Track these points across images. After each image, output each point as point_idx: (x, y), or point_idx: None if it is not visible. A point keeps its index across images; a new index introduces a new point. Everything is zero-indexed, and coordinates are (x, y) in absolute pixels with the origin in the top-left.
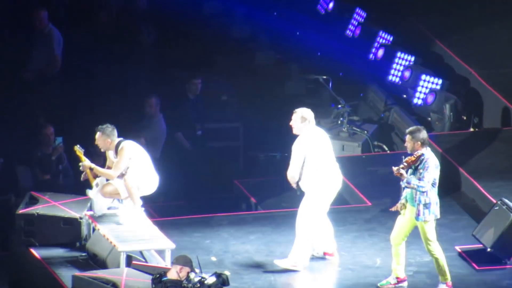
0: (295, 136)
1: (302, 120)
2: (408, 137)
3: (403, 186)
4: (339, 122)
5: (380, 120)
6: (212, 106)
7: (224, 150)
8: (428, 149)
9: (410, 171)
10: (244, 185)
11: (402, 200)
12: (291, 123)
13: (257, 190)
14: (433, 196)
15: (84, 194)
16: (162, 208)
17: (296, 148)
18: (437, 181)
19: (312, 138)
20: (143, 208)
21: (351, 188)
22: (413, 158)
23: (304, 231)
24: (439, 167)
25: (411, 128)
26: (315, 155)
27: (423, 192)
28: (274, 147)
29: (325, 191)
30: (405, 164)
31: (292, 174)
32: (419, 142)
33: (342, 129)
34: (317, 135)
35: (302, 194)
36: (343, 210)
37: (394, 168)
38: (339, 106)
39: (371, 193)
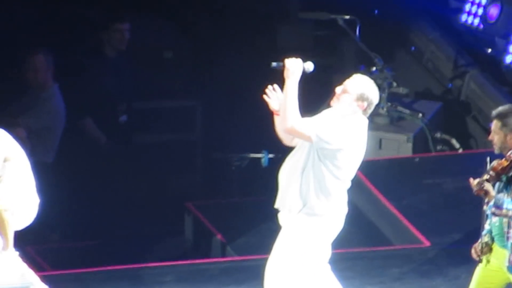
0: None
1: (361, 99)
2: (496, 125)
3: (487, 212)
4: None
5: (445, 94)
6: (148, 72)
7: (168, 148)
8: None
9: (498, 185)
10: (204, 211)
11: (485, 238)
12: (336, 89)
13: (226, 219)
14: None
15: None
16: (58, 253)
17: (328, 125)
18: None
19: (357, 135)
20: (17, 253)
21: (395, 215)
22: (506, 163)
23: None
24: None
25: (502, 109)
26: (343, 163)
27: None
28: (256, 144)
29: (332, 224)
30: (492, 173)
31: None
32: None
33: (379, 111)
34: (363, 137)
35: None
36: (379, 256)
37: (473, 182)
38: (373, 69)
39: (430, 225)
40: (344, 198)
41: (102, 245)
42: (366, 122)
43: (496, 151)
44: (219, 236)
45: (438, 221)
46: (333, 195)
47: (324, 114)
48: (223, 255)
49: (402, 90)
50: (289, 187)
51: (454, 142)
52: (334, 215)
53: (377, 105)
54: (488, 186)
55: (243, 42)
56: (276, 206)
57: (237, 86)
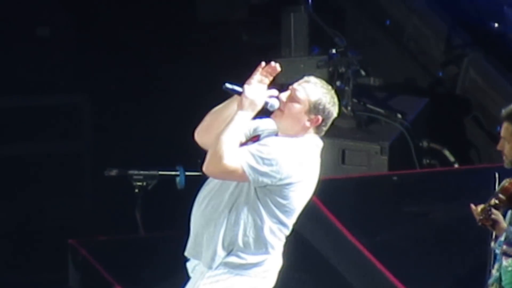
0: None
1: (315, 111)
2: (507, 129)
3: (496, 251)
4: (334, 91)
5: (434, 86)
6: (15, 56)
7: (44, 163)
8: None
9: (511, 213)
10: (94, 251)
11: (493, 285)
12: (282, 96)
13: (125, 263)
14: None
15: None
16: None
17: (277, 152)
18: None
19: (309, 164)
20: None
21: (365, 257)
22: None
23: None
24: None
25: None
26: (291, 203)
27: None
28: (168, 157)
29: (262, 282)
30: (502, 197)
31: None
32: None
33: (342, 108)
34: (316, 168)
35: None
36: None
37: (476, 209)
38: (333, 51)
39: (413, 271)
40: (280, 249)
41: None
42: (320, 144)
43: (507, 165)
44: (116, 287)
45: (424, 266)
46: (269, 244)
47: (266, 140)
48: None
49: (373, 81)
50: (207, 230)
51: (446, 153)
52: (267, 271)
53: (340, 103)
54: (497, 214)
55: (149, 13)
56: (187, 254)
57: (140, 74)
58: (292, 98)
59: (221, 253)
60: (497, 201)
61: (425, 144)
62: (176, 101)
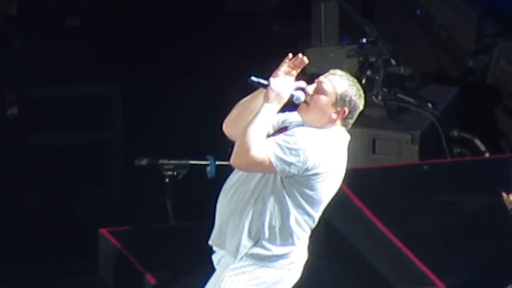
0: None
1: (341, 103)
2: None
3: None
4: (364, 80)
5: (465, 75)
6: (46, 46)
7: (74, 152)
8: None
9: None
10: (125, 241)
11: None
12: (308, 88)
13: (156, 253)
14: None
15: None
16: None
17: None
18: None
19: (337, 156)
20: None
21: (395, 246)
22: None
23: None
24: None
25: None
26: (318, 194)
27: None
28: (198, 146)
29: (288, 274)
30: None
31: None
32: None
33: (372, 100)
34: (343, 160)
35: None
36: None
37: (508, 198)
38: (363, 41)
39: (444, 260)
40: (306, 241)
41: None
42: (347, 137)
43: None
44: (148, 277)
45: (455, 255)
46: (295, 235)
47: (293, 130)
48: None
49: (404, 71)
50: (232, 219)
51: (477, 142)
52: (293, 262)
53: (370, 92)
54: None
55: (179, 3)
56: (211, 243)
57: (170, 63)
58: (319, 91)
59: (246, 243)
60: None
61: (455, 133)
62: (207, 90)
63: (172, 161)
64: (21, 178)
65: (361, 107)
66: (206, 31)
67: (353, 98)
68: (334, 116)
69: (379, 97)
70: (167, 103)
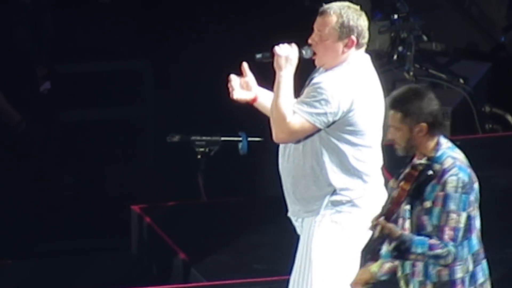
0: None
1: (346, 33)
2: (393, 116)
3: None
4: (396, 56)
5: (497, 51)
6: (77, 22)
7: (107, 128)
8: None
9: None
10: (157, 218)
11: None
12: (310, 41)
13: (188, 230)
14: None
15: None
16: None
17: (323, 93)
18: None
19: (361, 84)
20: None
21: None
22: None
23: None
24: None
25: None
26: (361, 126)
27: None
28: (230, 123)
29: (365, 219)
30: None
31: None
32: None
33: (404, 74)
34: (369, 79)
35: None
36: None
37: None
38: (395, 17)
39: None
40: (377, 175)
41: (17, 266)
42: (366, 57)
43: (400, 152)
44: (180, 254)
45: (485, 230)
46: (361, 173)
47: (312, 82)
48: (186, 279)
49: (436, 46)
50: (299, 184)
51: (509, 118)
52: (371, 200)
53: (402, 68)
54: None
55: None
56: (290, 215)
57: (202, 40)
58: (319, 37)
59: (322, 198)
60: None
61: (487, 109)
62: (239, 67)
63: (204, 138)
64: (53, 154)
65: (365, 23)
66: (239, 8)
67: (352, 23)
68: (345, 49)
69: (411, 73)
70: (200, 78)
